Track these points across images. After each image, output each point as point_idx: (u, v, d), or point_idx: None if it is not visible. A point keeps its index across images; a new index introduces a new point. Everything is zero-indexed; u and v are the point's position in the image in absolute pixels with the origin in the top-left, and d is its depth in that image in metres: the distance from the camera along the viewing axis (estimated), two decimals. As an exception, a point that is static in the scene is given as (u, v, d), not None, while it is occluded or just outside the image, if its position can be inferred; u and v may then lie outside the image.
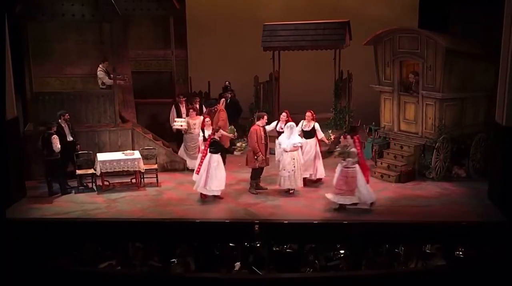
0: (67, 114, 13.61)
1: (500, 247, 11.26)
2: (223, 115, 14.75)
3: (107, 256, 11.62)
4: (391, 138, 14.66)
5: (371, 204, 12.27)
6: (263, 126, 13.20)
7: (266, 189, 13.33)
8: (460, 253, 11.73)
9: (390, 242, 11.81)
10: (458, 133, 14.04)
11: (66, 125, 13.60)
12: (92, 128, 14.29)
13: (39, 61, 13.98)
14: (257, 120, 13.28)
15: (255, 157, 12.96)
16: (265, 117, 13.28)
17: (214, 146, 12.69)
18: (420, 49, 13.72)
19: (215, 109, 14.78)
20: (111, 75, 14.71)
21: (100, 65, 14.95)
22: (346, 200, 12.13)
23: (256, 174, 13.27)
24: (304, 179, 13.36)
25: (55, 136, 12.85)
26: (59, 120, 13.47)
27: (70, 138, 13.62)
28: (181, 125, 14.69)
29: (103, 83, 14.98)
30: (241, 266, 11.31)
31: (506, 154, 11.91)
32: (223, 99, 16.28)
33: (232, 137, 14.41)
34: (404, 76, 14.37)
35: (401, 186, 13.58)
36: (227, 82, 16.89)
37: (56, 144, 12.83)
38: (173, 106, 15.38)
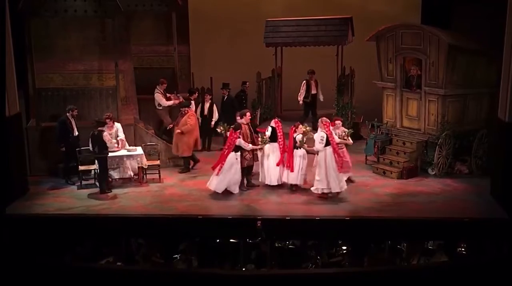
0: (76, 109, 13.69)
1: (502, 243, 11.27)
2: (193, 119, 14.27)
3: (106, 252, 11.64)
4: (393, 135, 14.63)
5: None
6: (247, 124, 13.16)
7: (258, 186, 13.27)
8: (462, 249, 11.74)
9: (393, 238, 11.81)
10: (460, 129, 14.01)
11: (73, 121, 13.66)
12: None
13: (42, 57, 13.99)
14: (240, 118, 13.20)
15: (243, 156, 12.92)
16: (248, 114, 13.25)
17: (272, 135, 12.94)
18: (423, 45, 13.70)
19: (185, 111, 14.27)
20: (167, 95, 15.24)
21: (157, 87, 15.28)
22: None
23: (245, 171, 13.13)
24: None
25: (106, 133, 13.00)
26: (67, 114, 13.56)
27: (76, 133, 13.70)
28: None
29: (159, 105, 15.28)
30: (244, 262, 11.34)
31: (509, 150, 11.88)
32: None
33: (225, 136, 13.37)
34: (407, 69, 14.35)
35: (403, 182, 13.57)
36: (247, 84, 16.67)
37: (110, 141, 13.07)
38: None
